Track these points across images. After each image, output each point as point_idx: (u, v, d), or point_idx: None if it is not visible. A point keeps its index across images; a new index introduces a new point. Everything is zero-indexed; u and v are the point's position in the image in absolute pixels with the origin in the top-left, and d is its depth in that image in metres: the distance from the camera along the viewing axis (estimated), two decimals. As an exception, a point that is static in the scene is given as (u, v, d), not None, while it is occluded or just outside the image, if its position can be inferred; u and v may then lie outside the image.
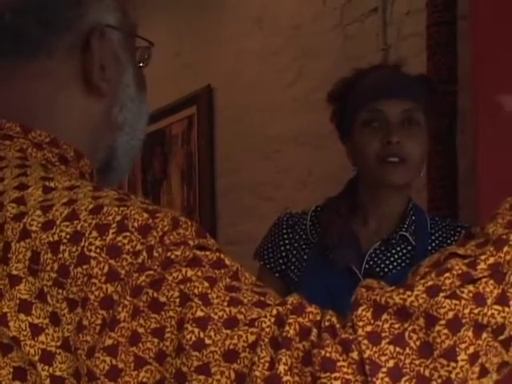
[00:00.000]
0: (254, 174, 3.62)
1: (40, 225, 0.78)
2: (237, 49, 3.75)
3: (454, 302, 0.71)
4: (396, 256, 1.76)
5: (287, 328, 0.71)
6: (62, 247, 0.76)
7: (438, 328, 0.70)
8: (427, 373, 0.70)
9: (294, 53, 3.31)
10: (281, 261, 1.83)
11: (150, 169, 4.55)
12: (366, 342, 0.70)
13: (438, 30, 2.29)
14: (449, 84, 2.28)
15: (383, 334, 0.70)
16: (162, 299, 0.73)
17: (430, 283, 0.72)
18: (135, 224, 0.77)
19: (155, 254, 0.75)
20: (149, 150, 4.52)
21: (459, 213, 2.29)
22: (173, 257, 0.75)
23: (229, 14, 3.85)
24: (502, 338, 0.72)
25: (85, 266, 0.75)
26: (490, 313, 0.71)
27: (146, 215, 0.78)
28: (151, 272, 0.74)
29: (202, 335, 0.71)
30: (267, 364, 0.70)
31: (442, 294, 0.71)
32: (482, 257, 0.73)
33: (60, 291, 0.76)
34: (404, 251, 1.76)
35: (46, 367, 0.76)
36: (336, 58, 3.01)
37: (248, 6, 3.69)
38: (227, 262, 0.77)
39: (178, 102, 4.18)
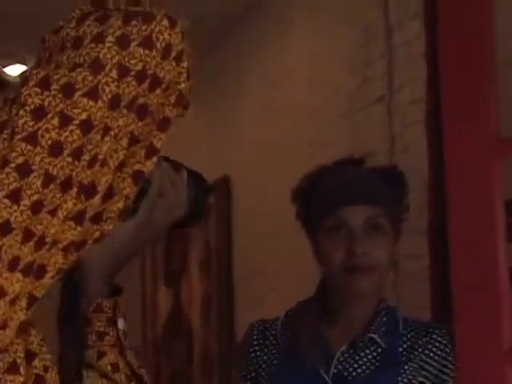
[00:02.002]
0: (268, 261, 3.63)
1: None
2: (253, 137, 3.82)
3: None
4: (365, 359, 1.72)
5: None
6: None
7: None
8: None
9: (309, 140, 3.35)
10: (251, 368, 1.82)
11: (171, 259, 4.58)
12: None
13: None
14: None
15: None
16: None
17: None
18: None
19: None
20: (170, 239, 4.56)
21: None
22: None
23: (245, 104, 3.93)
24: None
25: None
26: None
27: None
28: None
29: None
30: None
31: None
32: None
33: None
34: (374, 354, 1.72)
35: None
36: (345, 145, 3.05)
37: (264, 94, 3.77)
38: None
39: (196, 192, 4.22)
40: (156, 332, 4.67)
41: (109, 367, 0.97)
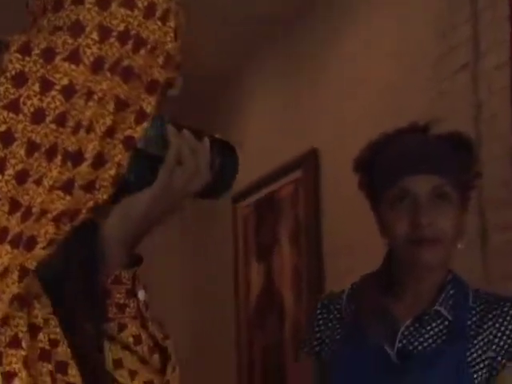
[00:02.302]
0: (357, 234, 3.58)
1: None
2: (339, 109, 3.76)
3: None
4: (431, 333, 1.66)
5: None
6: None
7: None
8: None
9: (390, 111, 3.28)
10: (315, 342, 1.78)
11: (262, 234, 4.57)
12: None
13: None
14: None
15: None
16: None
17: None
18: None
19: None
20: (260, 214, 4.56)
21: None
22: None
23: (328, 75, 3.87)
24: None
25: None
26: None
27: None
28: None
29: None
30: None
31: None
32: None
33: None
34: (440, 327, 1.66)
35: None
36: (431, 115, 2.97)
37: (344, 66, 3.70)
38: None
39: (284, 166, 4.21)
40: (249, 307, 4.68)
41: (130, 339, 0.96)
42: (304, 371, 1.83)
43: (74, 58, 0.71)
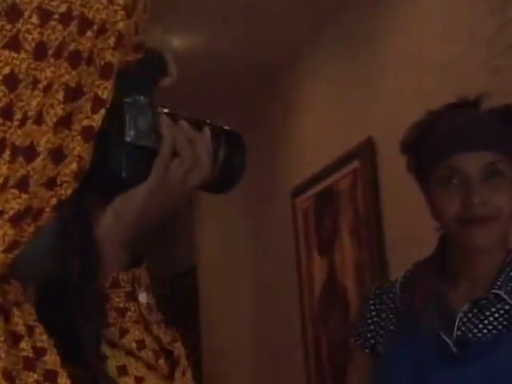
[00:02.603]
0: (419, 225, 3.47)
1: None
2: (392, 94, 3.66)
3: None
4: (491, 318, 1.56)
5: None
6: None
7: None
8: None
9: (446, 93, 3.16)
10: (369, 335, 1.69)
11: (323, 228, 4.49)
12: None
13: None
14: None
15: None
16: None
17: None
18: None
19: None
20: (320, 208, 4.48)
21: None
22: None
23: (380, 60, 3.77)
24: None
25: None
26: None
27: None
28: None
29: None
30: None
31: None
32: None
33: None
34: (501, 312, 1.56)
35: None
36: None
37: (400, 48, 3.60)
38: None
39: (341, 157, 4.12)
40: (313, 302, 4.61)
41: (133, 344, 0.90)
42: (357, 366, 1.75)
43: (13, 45, 0.66)
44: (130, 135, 0.85)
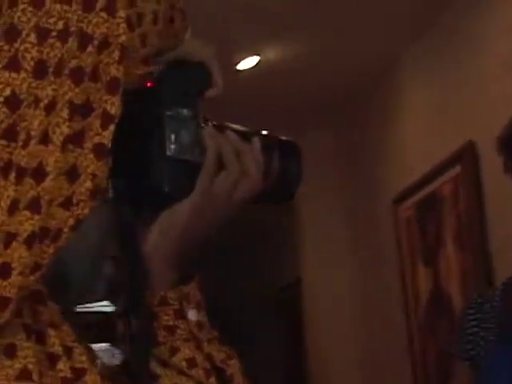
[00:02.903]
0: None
1: None
2: (495, 95, 3.55)
3: None
4: None
5: None
6: None
7: None
8: None
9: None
10: (468, 346, 1.62)
11: (427, 236, 4.39)
12: None
13: None
14: None
15: None
16: None
17: None
18: None
19: None
20: (423, 215, 4.39)
21: None
22: None
23: (484, 60, 3.67)
24: None
25: None
26: None
27: None
28: None
29: None
30: None
31: None
32: None
33: None
34: None
35: None
36: None
37: (503, 48, 3.49)
38: None
39: (443, 163, 4.02)
40: (418, 312, 4.51)
41: (183, 363, 0.87)
42: (459, 379, 1.68)
43: (13, 65, 0.66)
44: (171, 149, 0.83)
